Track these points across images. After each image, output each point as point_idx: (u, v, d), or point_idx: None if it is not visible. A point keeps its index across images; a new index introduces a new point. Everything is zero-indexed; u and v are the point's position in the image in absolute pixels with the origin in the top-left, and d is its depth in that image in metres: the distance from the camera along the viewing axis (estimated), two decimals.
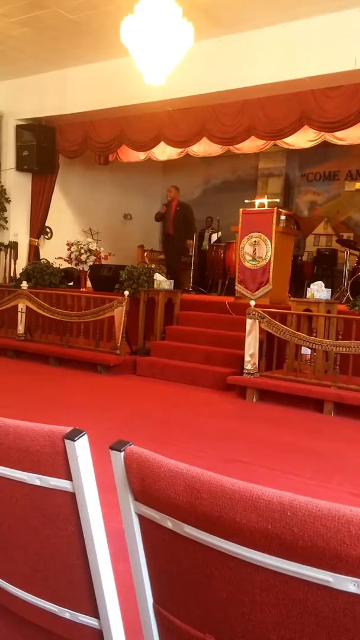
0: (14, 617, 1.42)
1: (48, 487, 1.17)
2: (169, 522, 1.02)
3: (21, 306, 8.81)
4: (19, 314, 8.83)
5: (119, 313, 7.76)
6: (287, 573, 0.87)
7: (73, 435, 1.11)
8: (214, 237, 12.46)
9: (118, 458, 1.08)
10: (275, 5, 7.61)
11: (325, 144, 9.88)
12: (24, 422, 1.21)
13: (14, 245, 11.27)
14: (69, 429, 1.13)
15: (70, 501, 1.16)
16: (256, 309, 6.78)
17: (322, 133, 9.18)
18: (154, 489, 1.02)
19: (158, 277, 8.56)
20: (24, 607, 1.35)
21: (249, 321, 6.77)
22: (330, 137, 9.37)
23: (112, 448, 1.09)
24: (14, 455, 1.19)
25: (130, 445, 1.08)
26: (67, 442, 1.11)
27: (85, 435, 1.11)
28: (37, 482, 1.18)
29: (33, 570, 1.31)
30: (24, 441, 1.17)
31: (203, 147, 10.62)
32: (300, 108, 8.44)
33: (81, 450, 1.11)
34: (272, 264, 8.18)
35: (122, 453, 1.07)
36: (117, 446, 1.08)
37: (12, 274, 11.12)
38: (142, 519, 1.10)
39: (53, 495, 1.18)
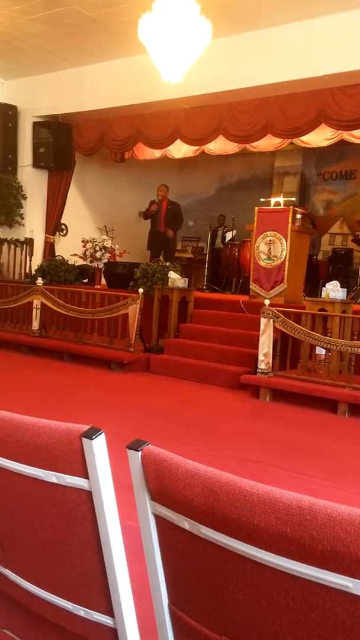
0: (30, 613, 1.43)
1: (65, 485, 1.17)
2: (185, 523, 1.01)
3: (36, 302, 8.84)
4: (34, 310, 8.86)
5: (133, 310, 7.77)
6: (305, 577, 0.87)
7: (90, 434, 1.10)
8: (229, 235, 12.43)
9: (135, 458, 1.08)
10: (294, 3, 7.57)
11: (342, 143, 9.83)
12: (42, 419, 1.21)
13: (29, 242, 11.31)
14: (86, 427, 1.13)
15: (86, 499, 1.16)
16: (270, 308, 6.76)
17: (340, 131, 9.13)
18: (171, 490, 1.02)
19: (172, 275, 8.56)
20: (40, 604, 1.35)
21: (263, 320, 6.75)
22: (347, 136, 9.32)
23: (129, 447, 1.08)
24: (31, 453, 1.19)
25: (148, 445, 1.08)
26: (85, 440, 1.11)
27: (103, 434, 1.11)
28: (54, 480, 1.18)
29: (48, 568, 1.31)
30: (42, 439, 1.17)
31: (219, 145, 10.60)
32: (318, 106, 8.39)
33: (98, 449, 1.11)
34: (287, 263, 8.15)
35: (140, 453, 1.07)
36: (135, 446, 1.08)
37: (27, 271, 11.17)
38: (159, 519, 1.09)
39: (69, 493, 1.18)
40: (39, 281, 9.06)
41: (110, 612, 1.22)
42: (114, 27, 8.58)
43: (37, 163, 11.39)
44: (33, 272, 10.57)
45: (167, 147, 10.91)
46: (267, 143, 10.14)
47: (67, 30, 8.93)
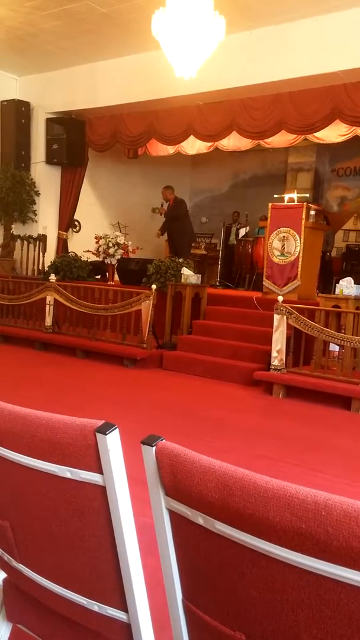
0: (44, 608, 1.43)
1: (79, 480, 1.17)
2: (200, 519, 1.01)
3: (49, 299, 8.87)
4: (47, 307, 8.89)
5: (146, 307, 7.78)
6: (320, 573, 0.86)
7: (104, 429, 1.10)
8: (242, 231, 12.41)
9: (149, 453, 1.07)
10: None
11: (356, 139, 9.78)
12: (56, 414, 1.21)
13: (42, 238, 11.35)
14: (100, 422, 1.13)
15: (100, 494, 1.16)
16: (284, 304, 6.75)
17: (354, 127, 9.08)
18: (185, 485, 1.02)
19: (185, 271, 8.55)
20: (54, 599, 1.36)
21: (276, 317, 6.73)
22: None
23: (143, 443, 1.08)
24: (46, 448, 1.20)
25: (162, 440, 1.08)
26: (99, 435, 1.11)
27: (117, 430, 1.11)
28: (68, 475, 1.18)
29: (62, 562, 1.31)
30: (56, 434, 1.17)
31: (232, 141, 10.58)
32: (332, 102, 8.35)
33: (112, 444, 1.10)
34: (300, 260, 8.12)
35: (154, 448, 1.07)
36: (149, 441, 1.08)
37: (40, 267, 11.20)
38: (173, 515, 1.09)
39: (83, 488, 1.18)
40: (52, 277, 9.09)
41: (124, 607, 1.22)
42: (127, 23, 8.57)
43: (50, 159, 11.43)
44: (46, 268, 10.60)
45: (181, 144, 10.91)
46: (281, 139, 10.11)
47: (80, 27, 8.94)
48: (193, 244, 11.69)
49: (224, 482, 0.95)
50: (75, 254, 10.93)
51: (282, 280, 8.28)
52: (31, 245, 11.34)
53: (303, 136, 9.74)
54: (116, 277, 10.52)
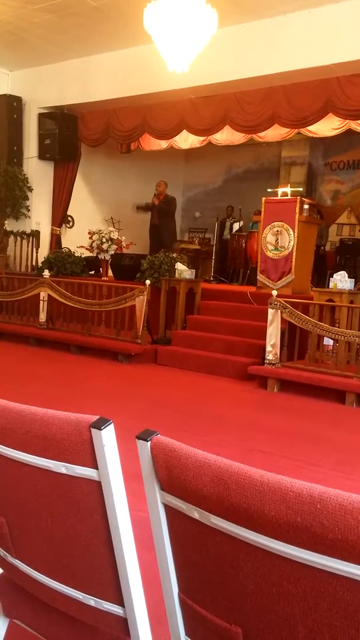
0: (41, 603, 1.43)
1: (74, 476, 1.17)
2: (195, 513, 1.01)
3: (43, 294, 8.85)
4: (41, 303, 8.88)
5: (140, 302, 7.78)
6: (315, 566, 0.86)
7: (99, 424, 1.10)
8: (236, 226, 12.40)
9: (145, 447, 1.07)
10: None
11: (349, 132, 9.77)
12: (50, 410, 1.21)
13: (36, 234, 11.32)
14: (95, 417, 1.12)
15: (95, 489, 1.16)
16: (278, 299, 6.75)
17: (347, 121, 9.08)
18: (181, 479, 1.02)
19: (179, 266, 8.55)
20: (50, 594, 1.36)
21: (270, 311, 6.74)
22: (355, 125, 9.27)
23: (138, 437, 1.08)
24: (40, 443, 1.19)
25: (157, 434, 1.08)
26: (94, 430, 1.10)
27: (112, 424, 1.11)
28: (63, 470, 1.18)
29: (58, 558, 1.31)
30: (50, 429, 1.17)
31: (225, 135, 10.56)
32: (325, 95, 8.34)
33: (107, 439, 1.10)
34: (294, 254, 8.12)
35: (149, 443, 1.07)
36: (144, 436, 1.08)
37: (34, 263, 11.18)
38: (169, 509, 1.09)
39: (79, 484, 1.18)
40: (46, 273, 9.07)
41: (120, 601, 1.22)
42: (119, 17, 8.53)
43: (42, 154, 11.38)
44: (40, 264, 10.58)
45: (174, 138, 10.88)
46: (274, 133, 10.09)
47: (71, 20, 8.90)
48: (175, 242, 11.77)
49: (219, 476, 0.95)
50: (69, 249, 10.90)
51: (276, 275, 8.29)
52: (24, 241, 11.32)
53: (296, 130, 9.72)
54: (110, 272, 10.50)
